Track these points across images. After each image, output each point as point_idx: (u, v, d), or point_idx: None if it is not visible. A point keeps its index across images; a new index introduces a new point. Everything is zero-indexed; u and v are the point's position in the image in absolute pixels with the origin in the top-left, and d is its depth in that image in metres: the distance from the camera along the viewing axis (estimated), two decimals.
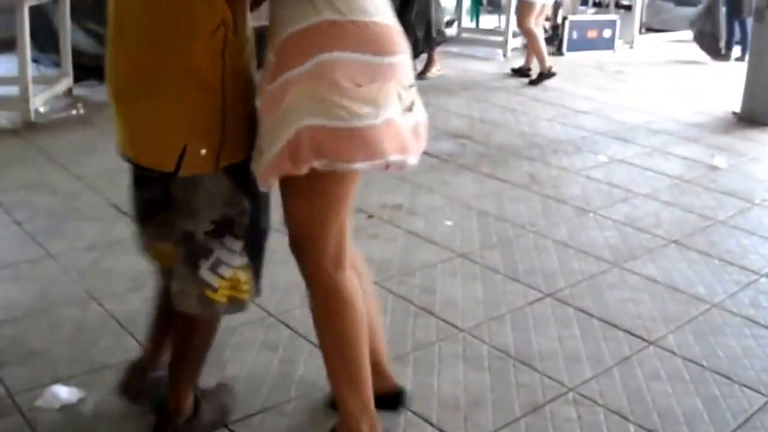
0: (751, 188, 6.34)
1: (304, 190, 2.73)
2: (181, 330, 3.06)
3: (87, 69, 8.39)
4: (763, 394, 3.61)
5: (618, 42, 12.48)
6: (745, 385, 3.67)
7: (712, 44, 11.66)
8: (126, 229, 4.88)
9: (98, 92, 8.13)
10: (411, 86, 2.74)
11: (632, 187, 6.21)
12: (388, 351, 3.49)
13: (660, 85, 10.33)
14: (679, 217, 5.65)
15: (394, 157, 2.63)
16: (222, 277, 2.85)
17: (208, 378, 3.30)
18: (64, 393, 3.37)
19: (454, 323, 4.07)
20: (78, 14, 8.19)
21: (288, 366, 3.66)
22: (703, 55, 11.80)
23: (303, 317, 3.99)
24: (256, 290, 3.05)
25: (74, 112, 7.45)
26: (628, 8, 14.03)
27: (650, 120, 8.36)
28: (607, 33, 12.29)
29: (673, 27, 14.22)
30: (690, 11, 13.59)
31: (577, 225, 5.40)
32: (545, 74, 9.86)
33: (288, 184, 2.72)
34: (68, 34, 7.79)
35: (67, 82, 7.81)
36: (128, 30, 2.76)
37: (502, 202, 5.69)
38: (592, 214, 5.58)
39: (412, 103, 2.72)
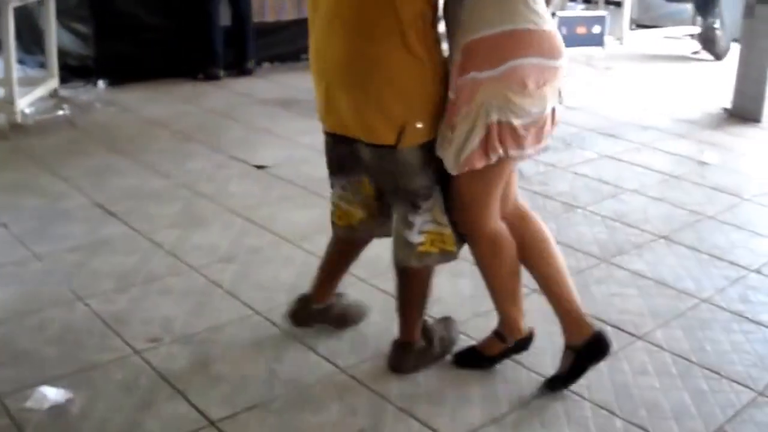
0: (741, 184, 6.33)
1: (481, 172, 3.20)
2: (403, 281, 3.58)
3: (73, 70, 8.38)
4: (751, 389, 3.61)
5: (607, 38, 12.46)
6: (733, 380, 3.67)
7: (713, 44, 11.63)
8: (112, 230, 4.93)
9: (84, 93, 8.13)
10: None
11: (621, 182, 6.20)
12: (378, 344, 3.69)
13: (649, 81, 10.31)
14: (667, 213, 5.64)
15: (548, 142, 3.31)
16: (428, 232, 3.36)
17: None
18: (52, 393, 3.37)
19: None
20: (63, 14, 8.16)
21: (274, 364, 3.65)
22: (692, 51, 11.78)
23: None
24: (460, 243, 3.49)
25: (60, 113, 7.41)
26: (618, 4, 13.99)
27: (639, 116, 8.34)
28: (596, 29, 12.25)
29: (663, 23, 14.18)
30: (680, 7, 13.58)
31: (565, 221, 5.39)
32: None
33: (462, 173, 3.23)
34: (54, 34, 7.76)
35: (52, 83, 7.77)
36: (340, 21, 3.23)
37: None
38: (580, 210, 5.57)
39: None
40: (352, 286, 4.29)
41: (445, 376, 3.62)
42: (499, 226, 3.42)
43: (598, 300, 4.34)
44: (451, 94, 3.15)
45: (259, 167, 6.20)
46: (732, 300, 4.42)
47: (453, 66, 3.14)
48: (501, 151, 3.12)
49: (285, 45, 10.10)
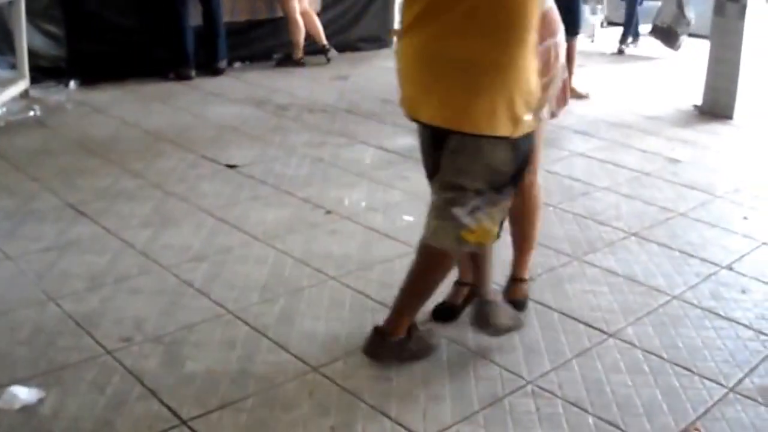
0: (713, 181, 6.36)
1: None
2: (422, 265, 3.62)
3: (44, 70, 8.32)
4: (722, 385, 3.63)
5: (579, 36, 12.49)
6: (704, 377, 3.68)
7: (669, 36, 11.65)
8: (83, 230, 4.90)
9: (55, 93, 8.08)
10: None
11: (592, 180, 6.22)
12: (349, 343, 3.71)
13: (621, 78, 10.36)
14: (639, 210, 5.66)
15: None
16: (480, 223, 3.43)
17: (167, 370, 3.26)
18: (24, 393, 3.34)
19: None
20: (34, 15, 8.12)
21: (246, 363, 3.64)
22: (664, 49, 11.79)
23: (260, 314, 4.01)
24: (498, 235, 3.65)
25: (31, 113, 7.37)
26: None
27: (611, 113, 8.38)
28: None
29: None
30: (651, 5, 13.63)
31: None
32: (295, 61, 9.97)
33: None
34: (24, 35, 7.71)
35: (23, 83, 7.72)
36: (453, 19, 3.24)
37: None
38: (551, 208, 5.57)
39: None
40: (321, 284, 4.30)
41: (416, 374, 3.61)
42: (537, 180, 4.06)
43: (570, 297, 4.35)
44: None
45: (231, 166, 6.18)
46: (704, 297, 4.44)
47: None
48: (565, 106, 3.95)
49: (257, 44, 10.10)
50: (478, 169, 3.37)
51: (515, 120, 3.28)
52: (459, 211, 3.39)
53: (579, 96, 8.71)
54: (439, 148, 3.43)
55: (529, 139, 3.43)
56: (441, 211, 3.46)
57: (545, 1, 3.49)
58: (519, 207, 3.90)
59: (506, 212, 3.62)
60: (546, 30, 3.42)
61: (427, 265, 3.62)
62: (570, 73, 9.01)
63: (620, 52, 11.92)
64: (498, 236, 3.64)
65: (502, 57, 3.21)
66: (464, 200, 3.38)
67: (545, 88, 3.49)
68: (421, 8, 3.27)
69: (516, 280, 4.21)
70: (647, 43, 11.69)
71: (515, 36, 3.19)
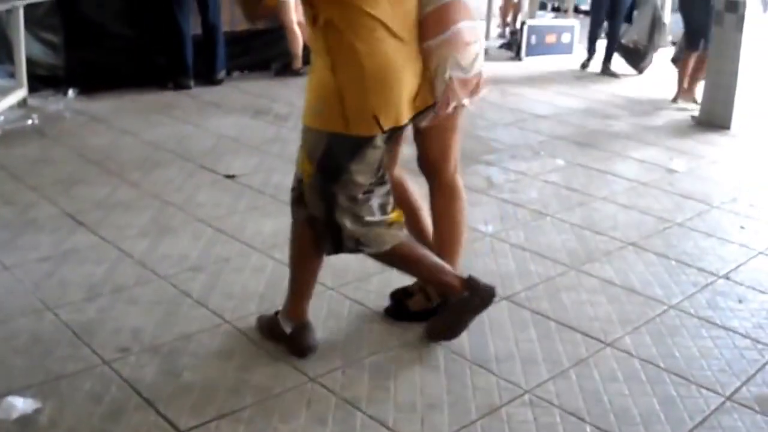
0: (710, 191, 6.37)
1: (440, 124, 3.74)
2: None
3: (42, 79, 8.33)
4: (720, 394, 3.63)
5: (577, 46, 12.54)
6: (702, 386, 3.69)
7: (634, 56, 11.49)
8: (81, 239, 4.90)
9: (53, 102, 8.08)
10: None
11: (590, 190, 6.23)
12: (347, 353, 3.72)
13: (619, 88, 10.38)
14: (636, 220, 5.67)
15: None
16: None
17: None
18: (20, 403, 3.33)
19: (410, 327, 4.06)
20: (33, 24, 8.13)
21: (243, 373, 3.63)
22: (662, 61, 11.77)
23: None
24: None
25: (29, 122, 7.37)
26: (587, 13, 14.09)
27: (609, 124, 8.40)
28: (565, 38, 12.36)
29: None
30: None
31: (534, 228, 5.40)
32: (294, 71, 9.96)
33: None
34: (22, 44, 7.72)
35: (21, 92, 7.73)
36: None
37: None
38: (549, 218, 5.59)
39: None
40: (320, 295, 4.29)
41: (414, 383, 3.61)
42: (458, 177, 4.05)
43: (567, 307, 4.35)
44: None
45: (229, 176, 6.19)
46: (701, 306, 4.45)
47: None
48: (457, 101, 3.65)
49: (256, 54, 10.12)
50: None
51: None
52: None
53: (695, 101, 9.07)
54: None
55: None
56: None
57: (423, 9, 3.55)
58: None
59: None
60: (423, 36, 3.55)
61: None
62: (693, 81, 9.09)
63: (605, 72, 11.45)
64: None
65: None
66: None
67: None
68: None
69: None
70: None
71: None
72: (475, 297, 3.73)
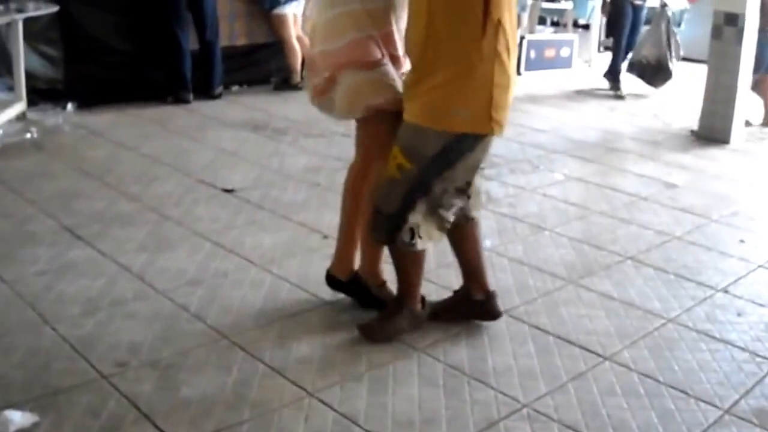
0: (709, 205, 6.37)
1: None
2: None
3: (41, 93, 8.34)
4: (718, 408, 3.63)
5: (576, 61, 12.55)
6: (700, 399, 3.69)
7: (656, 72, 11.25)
8: (79, 253, 4.90)
9: (52, 116, 8.08)
10: None
11: (589, 204, 6.23)
12: (345, 368, 3.69)
13: (618, 103, 10.38)
14: (635, 234, 5.66)
15: None
16: None
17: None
18: (18, 417, 3.33)
19: (409, 342, 4.06)
20: (32, 37, 8.14)
21: (241, 387, 3.63)
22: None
23: (256, 339, 4.00)
24: None
25: (28, 136, 7.37)
26: (586, 27, 14.11)
27: (608, 138, 8.41)
28: (565, 52, 12.36)
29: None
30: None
31: (533, 243, 5.40)
32: (292, 86, 9.96)
33: None
34: (22, 57, 7.72)
35: (20, 106, 7.74)
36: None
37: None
38: (547, 232, 5.59)
39: None
40: (317, 310, 4.31)
41: (412, 398, 3.61)
42: None
43: (565, 321, 4.35)
44: None
45: (227, 191, 6.18)
46: (699, 319, 4.45)
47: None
48: None
49: (254, 69, 10.13)
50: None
51: None
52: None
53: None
54: None
55: None
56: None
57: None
58: None
59: None
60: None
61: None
62: None
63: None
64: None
65: None
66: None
67: None
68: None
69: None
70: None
71: None
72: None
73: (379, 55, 3.86)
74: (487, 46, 3.57)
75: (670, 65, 10.56)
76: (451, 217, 3.92)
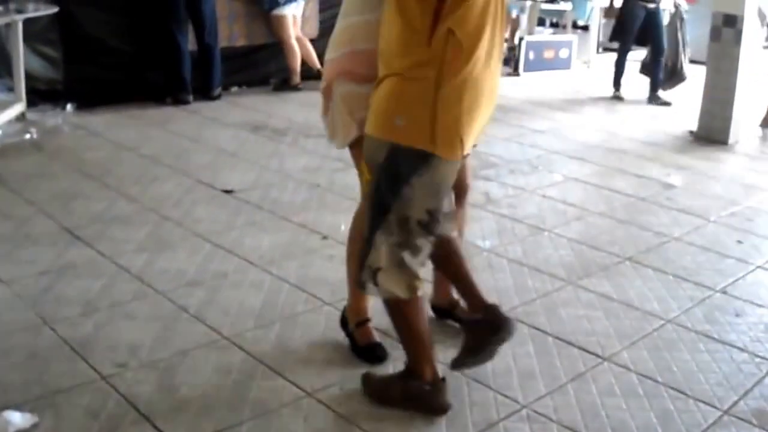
0: (707, 206, 6.38)
1: None
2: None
3: (41, 93, 8.34)
4: (717, 408, 3.64)
5: (575, 62, 12.56)
6: (699, 400, 3.69)
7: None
8: (78, 254, 4.90)
9: (52, 117, 8.08)
10: None
11: (587, 205, 6.24)
12: (345, 368, 3.71)
13: (616, 104, 10.39)
14: (634, 235, 5.67)
15: None
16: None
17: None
18: (17, 418, 3.33)
19: None
20: (32, 38, 8.14)
21: (241, 388, 3.63)
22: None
23: (256, 340, 4.00)
24: None
25: (27, 136, 7.38)
26: (585, 29, 14.12)
27: (606, 139, 8.41)
28: (564, 53, 12.38)
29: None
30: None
31: (532, 243, 5.41)
32: (292, 86, 10.04)
33: None
34: (21, 58, 7.73)
35: (20, 106, 7.74)
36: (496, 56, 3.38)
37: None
38: (546, 233, 5.59)
39: None
40: (317, 310, 4.31)
41: None
42: None
43: (565, 322, 4.35)
44: None
45: (227, 191, 6.19)
46: (698, 320, 4.45)
47: None
48: None
49: (254, 69, 10.13)
50: None
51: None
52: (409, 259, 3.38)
53: None
54: None
55: None
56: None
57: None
58: None
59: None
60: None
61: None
62: None
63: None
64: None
65: None
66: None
67: None
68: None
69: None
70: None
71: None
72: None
73: (374, 71, 3.44)
74: (433, 57, 3.21)
75: (684, 69, 10.52)
76: (417, 268, 3.42)
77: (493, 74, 3.37)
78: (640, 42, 10.68)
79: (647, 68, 10.66)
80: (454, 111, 3.24)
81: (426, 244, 3.40)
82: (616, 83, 10.83)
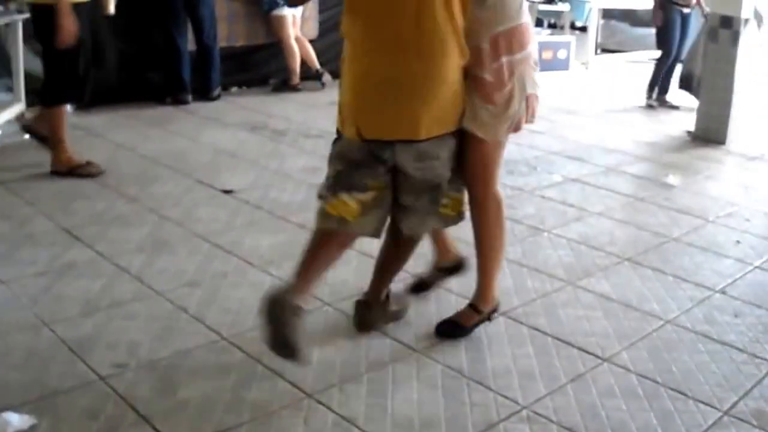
0: (705, 206, 6.38)
1: (497, 144, 3.93)
2: (401, 250, 4.13)
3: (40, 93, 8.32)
4: (717, 409, 3.63)
5: (573, 63, 12.56)
6: (699, 400, 3.69)
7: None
8: (78, 254, 4.89)
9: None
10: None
11: (586, 205, 6.24)
12: (344, 369, 3.76)
13: (615, 104, 10.39)
14: (632, 235, 5.67)
15: None
16: (452, 197, 3.90)
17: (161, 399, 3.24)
18: (16, 419, 3.32)
19: (408, 344, 4.07)
20: (31, 38, 8.12)
21: (240, 389, 3.63)
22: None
23: (255, 340, 3.99)
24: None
25: (26, 136, 7.37)
26: (583, 30, 14.13)
27: (604, 139, 8.41)
28: (562, 54, 12.38)
29: (628, 47, 14.34)
30: (645, 32, 13.67)
31: (532, 244, 5.41)
32: (291, 87, 10.07)
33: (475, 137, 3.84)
34: (21, 58, 7.72)
35: (19, 107, 7.73)
36: (414, 46, 3.56)
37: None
38: (546, 234, 5.60)
39: None
40: (317, 311, 4.30)
41: (411, 400, 3.61)
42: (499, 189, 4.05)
43: (564, 323, 4.35)
44: (487, 76, 3.73)
45: (226, 192, 6.19)
46: (697, 321, 4.45)
47: (480, 55, 3.70)
48: (531, 119, 3.95)
49: (253, 70, 10.14)
50: (442, 164, 3.79)
51: (460, 114, 3.76)
52: (436, 207, 3.87)
53: None
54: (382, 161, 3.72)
55: None
56: (421, 213, 3.89)
57: (501, 25, 3.73)
58: (475, 222, 4.08)
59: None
60: (501, 49, 3.71)
61: (410, 249, 4.16)
62: None
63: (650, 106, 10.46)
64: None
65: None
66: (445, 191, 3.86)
67: (506, 102, 3.81)
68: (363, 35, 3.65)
69: (470, 305, 4.22)
70: (643, 69, 11.56)
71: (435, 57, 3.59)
72: None
73: None
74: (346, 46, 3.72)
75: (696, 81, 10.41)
76: (321, 200, 3.86)
77: (399, 65, 3.58)
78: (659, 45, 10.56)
79: (686, 82, 10.39)
80: (346, 97, 3.72)
81: (326, 191, 3.82)
82: (661, 92, 10.44)
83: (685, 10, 10.11)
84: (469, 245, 4.18)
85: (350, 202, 3.73)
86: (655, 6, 10.19)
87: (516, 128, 3.93)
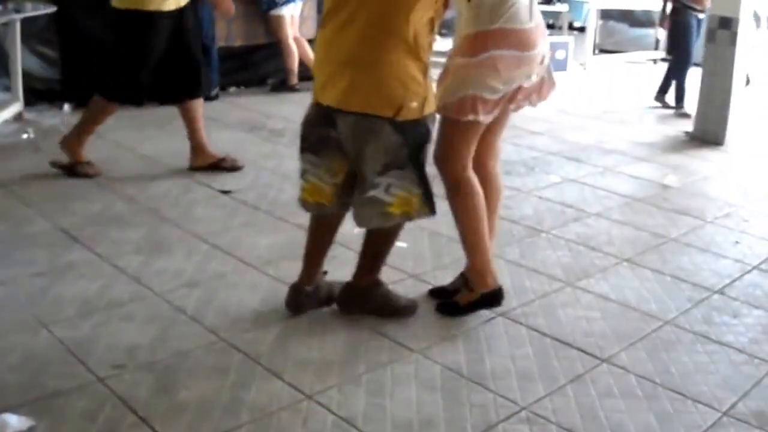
0: (704, 206, 6.38)
1: (457, 125, 4.08)
2: (372, 238, 4.28)
3: (38, 93, 8.33)
4: (716, 410, 3.63)
5: (571, 63, 12.55)
6: (698, 401, 3.69)
7: None
8: (76, 255, 4.89)
9: (49, 116, 8.08)
10: (543, 62, 4.14)
11: (584, 206, 6.24)
12: (343, 370, 3.73)
13: (613, 105, 10.39)
14: (631, 236, 5.67)
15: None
16: (397, 196, 3.97)
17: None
18: (14, 420, 3.32)
19: (407, 344, 4.06)
20: (29, 38, 8.13)
21: (239, 390, 3.62)
22: (655, 76, 11.73)
23: (254, 341, 4.00)
24: (430, 211, 4.13)
25: (24, 136, 7.37)
26: (581, 30, 14.12)
27: (603, 140, 8.40)
28: (560, 54, 12.36)
29: (626, 48, 14.34)
30: (643, 33, 13.69)
31: (530, 245, 5.41)
32: (289, 87, 10.08)
33: (445, 122, 4.12)
34: (19, 57, 7.72)
35: (17, 106, 7.73)
36: (363, 21, 3.80)
37: (453, 223, 5.68)
38: (544, 234, 5.59)
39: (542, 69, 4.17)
40: (316, 312, 4.30)
41: (410, 401, 3.61)
42: (469, 175, 4.20)
43: (563, 323, 4.35)
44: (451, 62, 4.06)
45: (224, 192, 6.18)
46: (696, 321, 4.45)
47: (452, 51, 4.10)
48: (471, 115, 4.00)
49: (251, 70, 10.13)
50: (372, 152, 3.93)
51: (395, 105, 3.83)
52: (375, 193, 3.94)
53: None
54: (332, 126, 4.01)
55: (420, 125, 3.96)
56: (358, 196, 4.04)
57: (475, 26, 3.98)
58: (449, 206, 4.28)
59: (422, 182, 4.04)
60: (465, 50, 4.00)
61: (378, 237, 4.26)
62: None
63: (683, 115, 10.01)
64: (430, 210, 4.11)
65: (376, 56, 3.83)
66: (374, 183, 3.94)
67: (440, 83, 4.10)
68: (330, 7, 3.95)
69: (465, 284, 4.42)
70: (642, 69, 11.55)
71: (388, 42, 3.81)
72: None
73: None
74: None
75: None
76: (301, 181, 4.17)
77: (351, 39, 3.85)
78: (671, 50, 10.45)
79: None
80: (314, 63, 4.20)
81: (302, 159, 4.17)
82: (679, 99, 10.11)
83: (701, 16, 9.96)
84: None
85: (324, 187, 4.08)
86: (664, 10, 10.18)
87: (447, 112, 4.08)
